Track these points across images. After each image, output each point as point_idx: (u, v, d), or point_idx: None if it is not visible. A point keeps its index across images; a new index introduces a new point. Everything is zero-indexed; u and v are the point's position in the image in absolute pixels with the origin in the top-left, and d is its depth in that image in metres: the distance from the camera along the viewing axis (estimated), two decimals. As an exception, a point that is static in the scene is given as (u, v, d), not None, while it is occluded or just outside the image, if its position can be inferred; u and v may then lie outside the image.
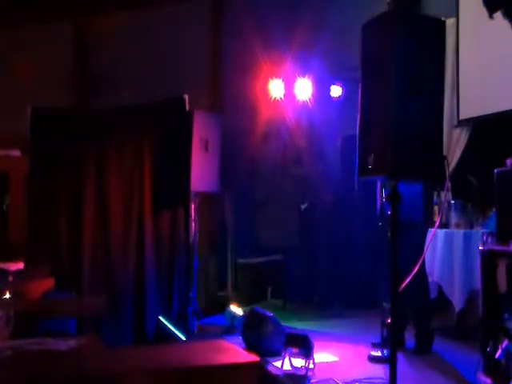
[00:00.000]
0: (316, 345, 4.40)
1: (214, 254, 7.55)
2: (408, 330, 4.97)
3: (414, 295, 4.66)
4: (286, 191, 7.76)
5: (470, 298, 4.89)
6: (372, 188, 5.29)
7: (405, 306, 4.82)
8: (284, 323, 5.08)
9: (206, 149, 5.66)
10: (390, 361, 2.96)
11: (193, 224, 5.79)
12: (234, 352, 3.45)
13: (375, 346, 4.80)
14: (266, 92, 7.15)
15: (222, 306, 6.26)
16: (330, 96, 7.06)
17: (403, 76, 2.87)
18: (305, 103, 7.08)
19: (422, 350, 4.80)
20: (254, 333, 4.86)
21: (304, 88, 6.99)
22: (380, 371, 4.15)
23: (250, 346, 4.74)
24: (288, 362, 4.30)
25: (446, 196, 5.12)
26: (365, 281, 6.70)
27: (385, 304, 4.71)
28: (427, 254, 4.96)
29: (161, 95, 6.22)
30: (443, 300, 5.19)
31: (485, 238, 4.06)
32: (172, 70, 7.95)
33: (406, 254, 3.35)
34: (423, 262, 4.67)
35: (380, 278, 5.16)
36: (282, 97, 7.12)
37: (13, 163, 8.08)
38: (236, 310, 5.88)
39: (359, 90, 3.09)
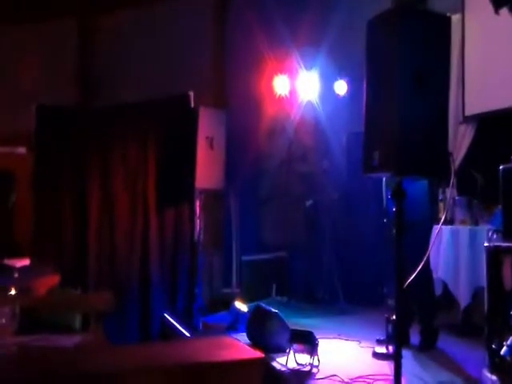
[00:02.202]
0: (320, 341, 4.40)
1: (219, 250, 7.56)
2: (413, 326, 4.96)
3: (419, 292, 4.65)
4: (290, 188, 7.75)
5: (475, 295, 4.87)
6: (378, 185, 5.28)
7: (410, 303, 4.82)
8: (288, 320, 5.08)
9: (211, 146, 5.66)
10: (395, 357, 2.95)
11: (197, 221, 5.80)
12: (239, 348, 3.46)
13: (380, 342, 4.80)
14: (271, 89, 7.13)
15: (227, 303, 6.26)
16: (335, 93, 7.05)
17: (409, 72, 2.86)
18: (310, 100, 7.06)
19: (427, 346, 4.79)
20: (259, 329, 4.86)
21: (309, 85, 6.98)
22: (385, 368, 4.15)
23: (255, 343, 4.73)
24: (293, 359, 4.30)
25: (451, 192, 5.11)
26: (369, 277, 6.69)
27: (390, 301, 4.71)
28: (432, 250, 4.95)
29: (165, 93, 6.23)
30: (448, 297, 5.18)
31: (490, 234, 4.05)
32: (176, 67, 7.94)
33: (411, 251, 3.35)
34: (428, 259, 4.65)
35: (385, 274, 5.15)
36: (287, 93, 7.11)
37: (18, 161, 8.10)
38: (241, 306, 5.88)
39: (364, 87, 3.09)
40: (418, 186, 4.79)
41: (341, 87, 6.99)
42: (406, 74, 2.86)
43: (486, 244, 4.01)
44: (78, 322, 4.37)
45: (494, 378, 3.67)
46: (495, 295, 3.87)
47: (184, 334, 5.11)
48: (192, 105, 5.75)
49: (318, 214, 7.19)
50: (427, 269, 4.79)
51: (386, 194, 4.91)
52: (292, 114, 7.31)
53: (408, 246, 3.06)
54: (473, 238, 4.90)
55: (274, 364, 4.32)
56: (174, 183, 5.79)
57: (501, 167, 3.94)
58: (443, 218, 4.55)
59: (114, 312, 4.91)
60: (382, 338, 4.80)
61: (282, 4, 7.29)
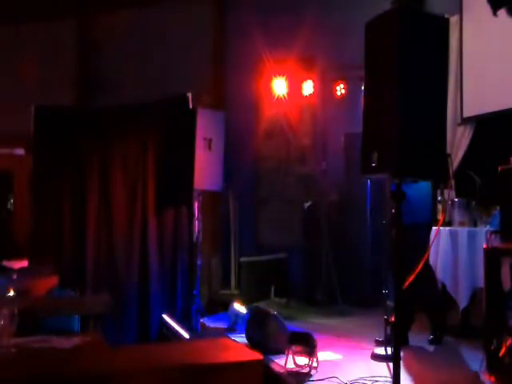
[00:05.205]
0: (319, 343, 4.40)
1: (218, 252, 7.56)
2: (412, 328, 4.96)
3: (423, 289, 4.63)
4: (289, 189, 7.75)
5: (474, 296, 4.88)
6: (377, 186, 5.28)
7: (409, 304, 4.81)
8: (287, 321, 5.08)
9: (210, 147, 5.66)
10: (394, 359, 2.95)
11: (196, 222, 5.80)
12: (238, 350, 3.46)
13: (379, 343, 4.79)
14: (269, 90, 7.14)
15: (226, 305, 6.26)
16: (333, 94, 7.05)
17: (407, 74, 2.87)
18: (308, 101, 7.07)
19: (438, 340, 4.81)
20: (258, 331, 4.85)
21: (307, 86, 6.99)
22: (384, 369, 4.15)
23: (254, 344, 4.73)
24: (291, 360, 4.30)
25: (449, 194, 5.11)
26: (368, 279, 6.69)
27: (389, 302, 4.70)
28: (431, 252, 4.95)
29: (164, 93, 6.24)
30: (447, 298, 5.18)
31: (489, 235, 4.05)
32: (175, 68, 7.95)
33: (412, 254, 3.34)
34: (428, 259, 4.65)
35: (384, 276, 5.15)
36: (286, 95, 7.12)
37: (17, 162, 8.11)
38: (239, 308, 5.88)
39: (363, 88, 3.09)
40: (421, 188, 4.80)
41: (339, 88, 7.00)
42: (404, 75, 2.86)
43: (484, 245, 4.01)
44: (76, 323, 4.37)
45: (493, 379, 3.67)
46: (494, 296, 3.87)
47: (183, 336, 5.11)
48: (190, 106, 5.75)
49: (317, 216, 7.19)
50: (429, 269, 4.79)
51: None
52: (290, 115, 7.32)
53: (409, 249, 3.06)
54: (471, 240, 4.89)
55: (273, 366, 4.31)
56: (173, 184, 5.79)
57: (499, 168, 3.95)
58: (442, 219, 4.55)
59: (112, 313, 4.92)
60: (380, 340, 4.80)
61: (280, 6, 7.30)
